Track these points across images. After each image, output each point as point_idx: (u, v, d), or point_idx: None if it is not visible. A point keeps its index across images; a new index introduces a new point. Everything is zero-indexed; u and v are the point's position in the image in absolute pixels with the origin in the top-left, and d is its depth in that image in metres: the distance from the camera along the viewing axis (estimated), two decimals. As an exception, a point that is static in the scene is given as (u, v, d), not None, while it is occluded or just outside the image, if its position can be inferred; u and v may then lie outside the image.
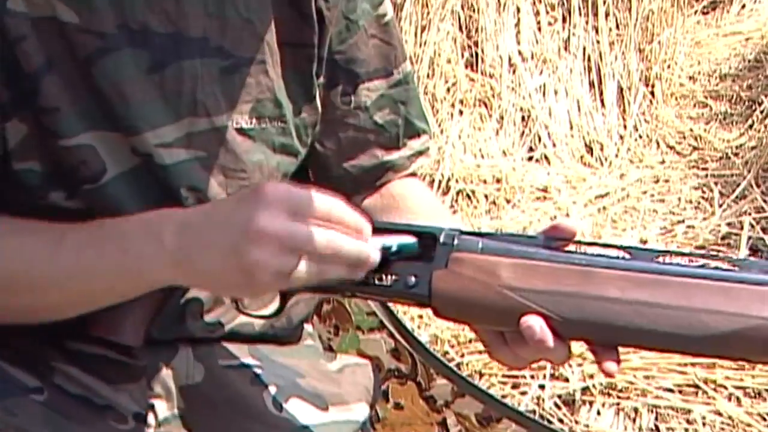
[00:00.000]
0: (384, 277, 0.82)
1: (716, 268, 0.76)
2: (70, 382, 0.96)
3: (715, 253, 2.18)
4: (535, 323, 0.78)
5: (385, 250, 0.83)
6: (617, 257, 0.78)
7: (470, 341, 1.90)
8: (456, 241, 0.82)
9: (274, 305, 0.90)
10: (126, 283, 0.84)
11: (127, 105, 0.89)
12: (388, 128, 1.05)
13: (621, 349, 0.79)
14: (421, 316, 1.97)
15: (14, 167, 0.89)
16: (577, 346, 0.81)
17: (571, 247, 0.81)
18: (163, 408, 0.99)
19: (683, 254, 0.79)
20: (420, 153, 1.08)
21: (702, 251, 2.17)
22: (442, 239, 0.82)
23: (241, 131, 0.94)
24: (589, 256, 0.79)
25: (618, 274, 0.76)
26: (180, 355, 0.99)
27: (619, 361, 0.80)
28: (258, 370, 1.02)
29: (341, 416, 1.04)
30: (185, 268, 0.81)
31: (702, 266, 0.76)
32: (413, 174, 1.09)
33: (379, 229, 0.87)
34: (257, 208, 0.76)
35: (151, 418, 0.98)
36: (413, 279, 0.81)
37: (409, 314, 1.96)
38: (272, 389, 1.01)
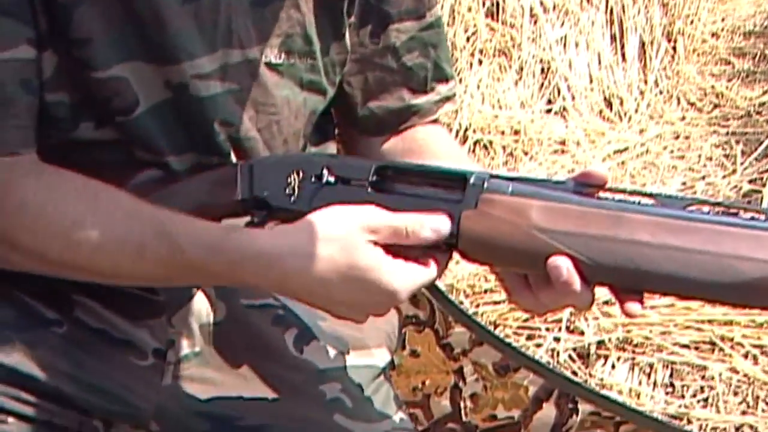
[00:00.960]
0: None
1: (747, 217, 0.76)
2: (90, 315, 0.96)
3: (743, 203, 2.16)
4: (562, 264, 0.77)
5: None
6: (647, 204, 0.78)
7: (486, 291, 1.89)
8: (486, 184, 0.81)
9: None
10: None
11: (165, 33, 0.87)
12: (416, 71, 1.03)
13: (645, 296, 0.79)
14: (437, 265, 1.95)
15: (45, 99, 0.88)
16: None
17: (601, 194, 0.81)
18: (183, 345, 0.98)
19: (713, 203, 0.79)
20: (447, 99, 1.06)
21: (731, 201, 2.15)
22: (472, 181, 0.82)
23: (269, 66, 0.93)
24: (619, 202, 0.79)
25: (648, 220, 0.76)
26: (202, 292, 0.98)
27: (642, 303, 0.79)
28: (280, 311, 1.01)
29: (362, 361, 1.03)
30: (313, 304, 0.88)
31: (732, 215, 0.76)
32: (436, 121, 1.08)
33: (407, 171, 0.86)
34: (364, 232, 0.83)
35: (170, 355, 0.98)
36: None
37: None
38: (293, 331, 1.01)
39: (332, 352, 1.02)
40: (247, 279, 0.85)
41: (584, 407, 1.35)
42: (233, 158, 0.93)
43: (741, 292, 0.73)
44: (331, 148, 1.06)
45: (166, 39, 0.87)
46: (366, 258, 0.82)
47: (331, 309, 0.87)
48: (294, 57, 0.93)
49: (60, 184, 0.87)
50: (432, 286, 1.41)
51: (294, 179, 0.87)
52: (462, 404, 1.46)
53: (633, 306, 0.78)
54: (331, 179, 0.86)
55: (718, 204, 0.79)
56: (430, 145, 1.03)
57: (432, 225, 0.82)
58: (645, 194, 0.79)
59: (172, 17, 0.87)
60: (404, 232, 0.82)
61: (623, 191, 0.80)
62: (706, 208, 0.78)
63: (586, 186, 0.80)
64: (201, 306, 0.98)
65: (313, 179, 0.86)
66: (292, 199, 0.86)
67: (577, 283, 0.77)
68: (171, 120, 0.90)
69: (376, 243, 0.82)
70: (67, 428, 0.95)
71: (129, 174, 0.91)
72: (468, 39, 2.93)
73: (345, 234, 0.82)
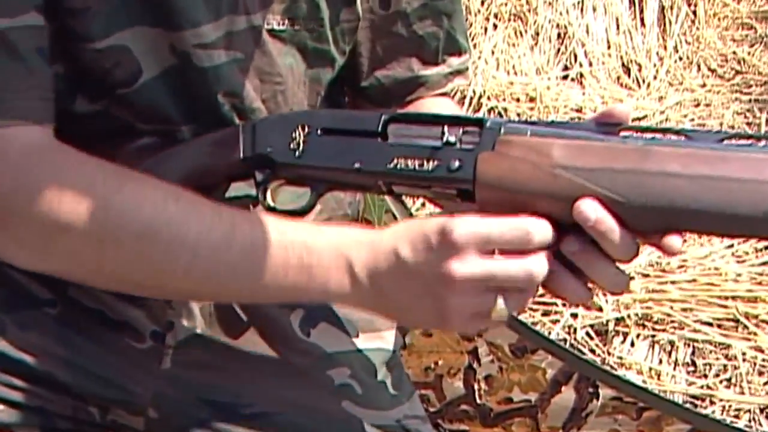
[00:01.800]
0: (425, 163, 0.77)
1: None
2: (85, 295, 0.92)
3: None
4: (588, 206, 0.70)
5: None
6: (677, 140, 0.73)
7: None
8: (503, 128, 0.76)
9: (305, 199, 0.84)
10: (294, 298, 0.81)
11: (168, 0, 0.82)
12: (427, 40, 0.98)
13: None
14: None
15: None
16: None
17: (624, 133, 0.75)
18: (182, 327, 0.93)
19: (748, 135, 0.73)
20: (459, 72, 1.01)
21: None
22: (488, 125, 0.77)
23: (272, 32, 0.87)
24: (646, 139, 0.73)
25: (679, 152, 0.71)
26: None
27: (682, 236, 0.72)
28: None
29: (372, 344, 0.99)
30: (374, 304, 0.78)
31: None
32: (446, 94, 1.02)
33: (417, 119, 0.81)
34: (449, 256, 0.72)
35: (169, 338, 0.93)
36: (457, 163, 0.76)
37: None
38: (300, 312, 0.96)
39: (341, 335, 0.97)
40: (344, 258, 0.77)
41: (605, 392, 1.31)
42: None
43: None
44: None
45: (169, 4, 0.82)
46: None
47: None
48: (298, 24, 0.88)
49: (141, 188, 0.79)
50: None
51: (299, 134, 0.82)
52: (476, 386, 1.42)
53: (672, 239, 0.70)
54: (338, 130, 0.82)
55: (755, 136, 0.72)
56: None
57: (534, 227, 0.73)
58: (673, 131, 0.73)
59: None
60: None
61: (648, 128, 0.75)
62: (741, 141, 0.72)
63: (608, 125, 0.75)
64: (202, 286, 0.93)
65: (319, 132, 0.82)
66: (297, 153, 0.82)
67: (609, 221, 0.70)
68: (176, 89, 0.85)
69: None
70: (61, 415, 0.92)
71: (126, 142, 0.86)
72: (483, 2, 2.88)
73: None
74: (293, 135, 0.82)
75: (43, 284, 0.90)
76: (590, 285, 0.74)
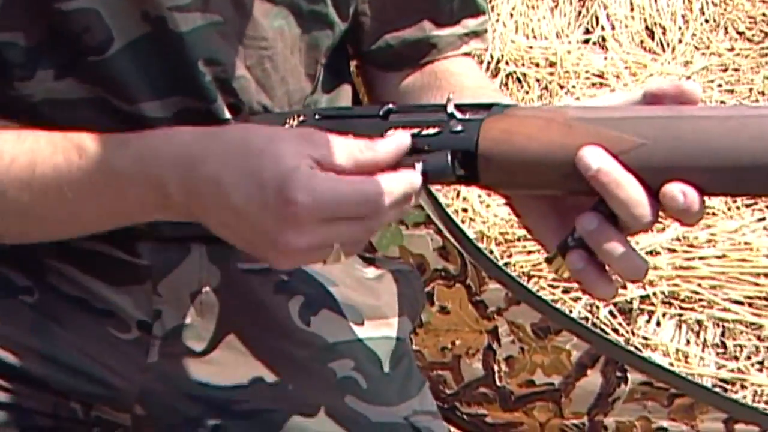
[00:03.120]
0: (424, 129, 0.71)
1: None
2: (65, 282, 0.87)
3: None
4: (590, 151, 0.63)
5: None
6: None
7: (518, 239, 1.77)
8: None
9: None
10: (116, 224, 0.78)
11: None
12: (441, 0, 0.91)
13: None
14: (465, 210, 1.84)
15: None
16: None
17: None
18: (171, 317, 0.87)
19: None
20: (476, 34, 0.94)
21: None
22: (494, 108, 0.71)
23: None
24: None
25: (707, 108, 0.66)
26: (192, 255, 0.87)
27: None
28: (283, 276, 0.90)
29: (379, 332, 0.92)
30: (198, 220, 0.73)
31: None
32: (468, 55, 0.96)
33: (423, 108, 0.76)
34: (286, 225, 0.67)
35: (157, 328, 0.87)
36: (459, 126, 0.70)
37: (452, 208, 1.83)
38: (299, 299, 0.90)
39: (344, 323, 0.91)
40: (155, 175, 0.71)
41: (634, 376, 1.26)
42: (221, 101, 0.82)
43: None
44: (346, 90, 0.94)
45: None
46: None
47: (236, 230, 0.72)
48: None
49: None
50: (463, 237, 1.30)
51: (294, 120, 0.77)
52: (496, 368, 1.38)
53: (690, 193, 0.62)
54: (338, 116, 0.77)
55: None
56: (450, 78, 0.91)
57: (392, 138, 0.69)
58: None
59: None
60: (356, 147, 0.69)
61: None
62: None
63: None
64: (191, 272, 0.87)
65: (317, 116, 0.76)
66: None
67: (617, 172, 0.62)
68: (150, 59, 0.78)
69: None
70: (41, 412, 0.87)
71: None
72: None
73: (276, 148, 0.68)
74: (289, 121, 0.77)
75: (20, 270, 0.85)
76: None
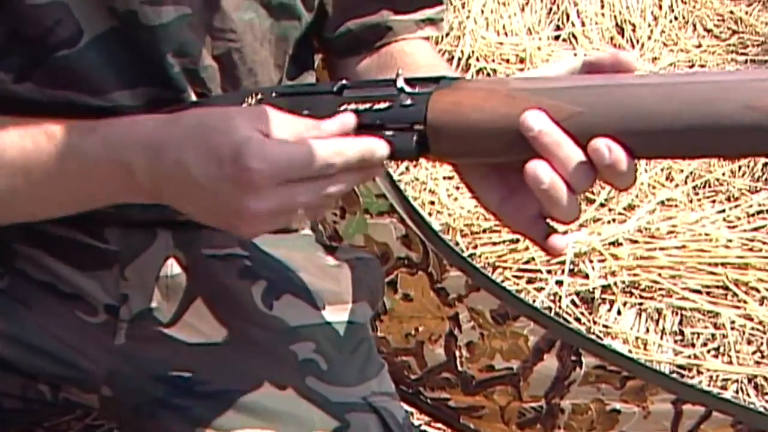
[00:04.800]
0: (376, 104, 0.73)
1: None
2: (34, 266, 0.88)
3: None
4: (532, 116, 0.65)
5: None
6: None
7: (484, 231, 1.79)
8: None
9: None
10: (82, 207, 0.79)
11: None
12: None
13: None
14: (432, 203, 1.86)
15: None
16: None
17: None
18: (137, 300, 0.89)
19: None
20: (431, 21, 0.97)
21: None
22: (442, 81, 0.73)
23: None
24: None
25: (640, 76, 0.68)
26: (159, 241, 0.90)
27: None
28: (247, 262, 0.92)
29: (339, 317, 0.94)
30: (165, 202, 0.75)
31: None
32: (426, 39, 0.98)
33: (375, 83, 0.77)
34: (244, 191, 0.69)
35: (123, 312, 0.89)
36: (409, 100, 0.72)
37: (420, 200, 1.85)
38: (262, 284, 0.92)
39: (305, 308, 0.93)
40: (122, 160, 0.73)
41: (588, 360, 1.27)
42: (190, 91, 0.83)
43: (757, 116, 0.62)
44: (308, 79, 0.96)
45: None
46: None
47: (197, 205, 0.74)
48: None
49: None
50: (425, 226, 1.32)
51: (252, 99, 0.78)
52: (457, 353, 1.39)
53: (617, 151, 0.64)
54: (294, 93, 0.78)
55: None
56: (405, 58, 0.93)
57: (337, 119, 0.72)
58: None
59: None
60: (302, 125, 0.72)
61: None
62: None
63: None
64: (157, 256, 0.90)
65: (273, 94, 0.78)
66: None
67: (557, 134, 0.64)
68: (118, 52, 0.80)
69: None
70: (9, 394, 0.89)
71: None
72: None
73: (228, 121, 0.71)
74: (247, 100, 0.78)
75: (-10, 255, 0.86)
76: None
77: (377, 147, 0.71)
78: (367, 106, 0.73)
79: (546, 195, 0.66)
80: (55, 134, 0.75)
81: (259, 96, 0.77)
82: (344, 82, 0.76)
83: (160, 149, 0.71)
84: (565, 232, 1.64)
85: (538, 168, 0.65)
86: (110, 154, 0.73)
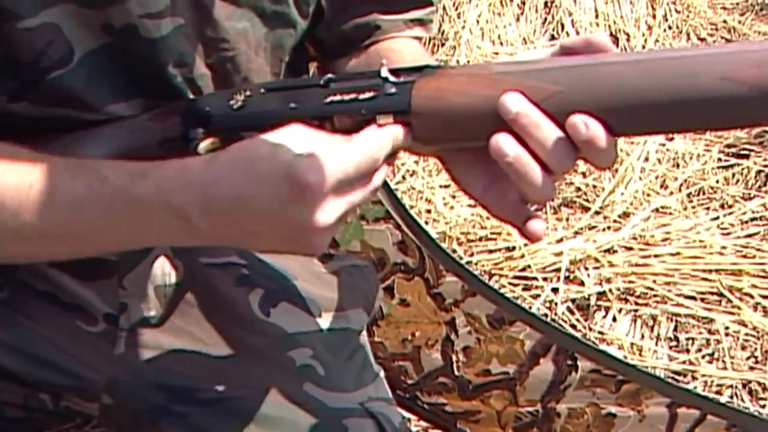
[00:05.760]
0: (361, 94, 0.74)
1: None
2: (35, 277, 0.89)
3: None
4: (510, 98, 0.66)
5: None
6: None
7: (480, 239, 1.80)
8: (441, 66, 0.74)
9: None
10: (136, 246, 0.78)
11: None
12: None
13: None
14: (429, 211, 1.87)
15: None
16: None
17: None
18: (137, 309, 0.90)
19: None
20: (420, 22, 0.98)
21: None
22: (426, 69, 0.74)
23: None
24: None
25: (619, 54, 0.69)
26: (156, 250, 0.90)
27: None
28: (244, 270, 0.93)
29: (335, 323, 0.95)
30: (222, 242, 0.74)
31: None
32: (418, 39, 0.99)
33: (361, 74, 0.78)
34: (310, 209, 0.68)
35: (123, 321, 0.90)
36: (393, 89, 0.73)
37: (416, 209, 1.86)
38: (259, 292, 0.93)
39: (302, 315, 0.94)
40: (176, 205, 0.72)
41: (584, 364, 1.28)
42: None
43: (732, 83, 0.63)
44: None
45: None
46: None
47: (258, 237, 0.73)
48: None
49: None
50: (421, 231, 1.33)
51: (241, 94, 0.79)
52: (454, 358, 1.40)
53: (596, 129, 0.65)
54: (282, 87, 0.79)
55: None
56: (392, 55, 0.93)
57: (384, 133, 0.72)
58: None
59: None
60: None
61: None
62: None
63: None
64: (156, 266, 0.90)
65: (262, 90, 0.78)
66: (235, 107, 0.77)
67: (535, 115, 0.65)
68: (112, 67, 0.80)
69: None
70: (11, 403, 0.90)
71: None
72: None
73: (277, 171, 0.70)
74: (235, 97, 0.78)
75: (-9, 267, 0.87)
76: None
77: (398, 131, 0.72)
78: (353, 96, 0.73)
79: (512, 169, 0.66)
80: (107, 177, 0.73)
81: (248, 92, 0.78)
82: (330, 75, 0.76)
83: (209, 187, 0.70)
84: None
85: (501, 140, 0.66)
86: (162, 198, 0.71)
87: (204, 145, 0.77)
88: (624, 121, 0.66)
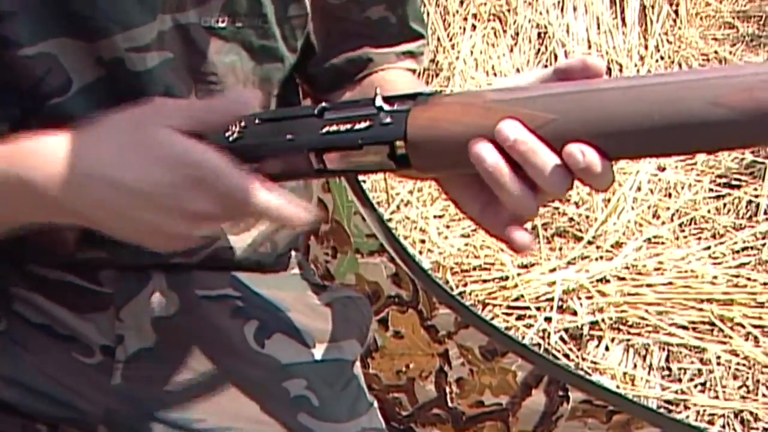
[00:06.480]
0: (356, 124, 0.74)
1: None
2: (32, 309, 0.90)
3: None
4: (507, 125, 0.67)
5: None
6: None
7: (474, 269, 1.82)
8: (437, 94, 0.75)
9: None
10: (17, 225, 0.79)
11: (94, 4, 0.79)
12: (381, 26, 0.97)
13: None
14: (423, 241, 1.88)
15: None
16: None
17: None
18: (133, 341, 0.91)
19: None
20: (411, 54, 0.99)
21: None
22: (420, 97, 0.74)
23: (211, 30, 0.84)
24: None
25: (611, 80, 0.69)
26: (152, 282, 0.91)
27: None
28: (239, 302, 0.94)
29: (329, 354, 0.97)
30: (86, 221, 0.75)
31: None
32: (412, 72, 1.00)
33: (355, 103, 0.78)
34: (183, 181, 0.71)
35: (119, 352, 0.91)
36: (388, 119, 0.73)
37: (410, 239, 1.88)
38: (254, 323, 0.94)
39: (296, 346, 0.95)
40: (23, 174, 0.73)
41: (575, 395, 1.29)
42: None
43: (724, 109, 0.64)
44: None
45: (96, 11, 0.79)
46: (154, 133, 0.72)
47: (124, 219, 0.74)
48: (240, 20, 0.85)
49: None
50: (414, 265, 1.35)
51: (236, 126, 0.79)
52: (448, 389, 1.41)
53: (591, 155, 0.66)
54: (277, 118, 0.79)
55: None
56: (386, 84, 0.94)
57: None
58: None
59: None
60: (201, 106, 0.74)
61: None
62: None
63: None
64: (152, 298, 0.91)
65: (257, 121, 0.79)
66: (231, 139, 0.78)
67: (532, 142, 0.66)
68: (105, 99, 0.81)
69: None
70: None
71: None
72: (461, 3, 2.86)
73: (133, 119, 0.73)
74: (231, 128, 0.79)
75: (-11, 299, 0.88)
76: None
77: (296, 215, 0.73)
78: (348, 126, 0.74)
79: (490, 177, 0.67)
80: None
81: (242, 123, 0.78)
82: (324, 104, 0.77)
83: (69, 157, 0.72)
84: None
85: (481, 149, 0.67)
86: (11, 168, 0.73)
87: None
88: (618, 146, 0.67)
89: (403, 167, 0.73)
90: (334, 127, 0.74)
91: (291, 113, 0.79)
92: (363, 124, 0.74)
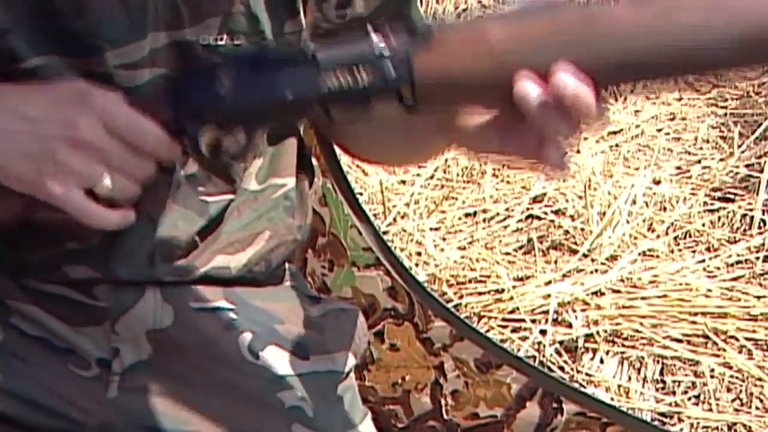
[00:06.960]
0: (359, 77, 0.73)
1: None
2: (29, 322, 0.91)
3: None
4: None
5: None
6: None
7: (470, 281, 1.82)
8: (433, 29, 0.72)
9: None
10: None
11: (86, 22, 0.81)
12: None
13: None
14: (419, 254, 1.89)
15: None
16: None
17: None
18: (129, 354, 0.92)
19: None
20: None
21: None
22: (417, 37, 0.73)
23: (209, 48, 0.85)
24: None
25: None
26: (147, 296, 0.93)
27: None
28: (233, 315, 0.96)
29: (323, 366, 0.98)
30: None
31: None
32: None
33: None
34: (82, 113, 0.75)
35: (115, 365, 0.92)
36: (392, 70, 0.72)
37: (407, 251, 1.89)
38: (248, 335, 0.95)
39: (291, 358, 0.96)
40: None
41: (569, 407, 1.30)
42: None
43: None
44: (291, 143, 0.99)
45: (87, 28, 0.81)
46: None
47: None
48: (239, 38, 0.86)
49: None
50: (410, 278, 1.36)
51: (225, 80, 0.78)
52: (443, 401, 1.41)
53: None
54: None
55: None
56: None
57: None
58: None
59: (94, 4, 0.80)
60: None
61: None
62: None
63: None
64: (146, 311, 0.93)
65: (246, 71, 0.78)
66: (222, 92, 0.77)
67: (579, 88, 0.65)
68: None
69: None
70: None
71: None
72: (459, 16, 2.86)
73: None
74: (221, 83, 0.78)
75: (-15, 312, 0.89)
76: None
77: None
78: (350, 80, 0.72)
79: (536, 114, 0.67)
80: None
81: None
82: (313, 45, 0.75)
83: None
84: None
85: (526, 88, 0.67)
86: None
87: (205, 136, 0.79)
88: (618, 72, 0.68)
89: (412, 112, 0.73)
90: (335, 81, 0.73)
91: (279, 54, 0.78)
92: (366, 77, 0.72)
